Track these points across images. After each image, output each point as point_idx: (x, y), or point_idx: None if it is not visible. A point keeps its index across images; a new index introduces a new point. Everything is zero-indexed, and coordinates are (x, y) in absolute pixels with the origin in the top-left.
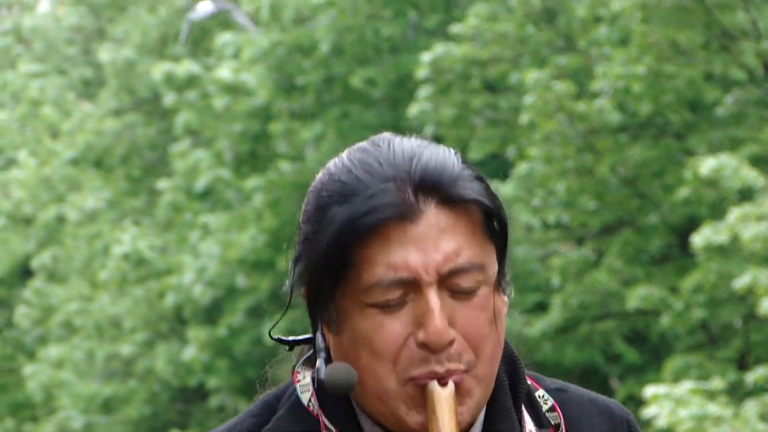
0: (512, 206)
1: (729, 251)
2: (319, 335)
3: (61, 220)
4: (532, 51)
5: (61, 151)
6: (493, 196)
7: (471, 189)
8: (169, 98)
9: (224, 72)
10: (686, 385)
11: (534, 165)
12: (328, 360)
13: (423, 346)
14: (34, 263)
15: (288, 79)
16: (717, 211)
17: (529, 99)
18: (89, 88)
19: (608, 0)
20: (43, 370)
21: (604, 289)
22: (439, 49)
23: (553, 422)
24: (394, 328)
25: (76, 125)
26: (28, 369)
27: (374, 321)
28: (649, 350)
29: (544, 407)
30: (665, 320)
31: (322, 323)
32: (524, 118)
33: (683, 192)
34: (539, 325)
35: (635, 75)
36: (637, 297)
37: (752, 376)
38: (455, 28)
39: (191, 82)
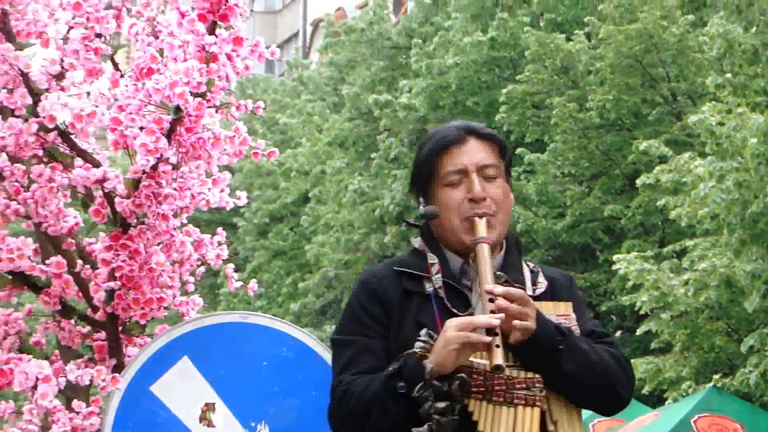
0: (547, 165)
1: (654, 187)
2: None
3: (323, 172)
4: (556, 89)
5: (322, 138)
6: (503, 141)
7: (492, 133)
8: (377, 112)
9: (403, 99)
10: (633, 255)
11: (557, 145)
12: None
13: (471, 200)
14: (310, 194)
15: (435, 102)
16: (649, 167)
17: (555, 112)
18: (336, 107)
19: (596, 61)
20: (320, 247)
21: (592, 206)
22: (511, 87)
23: (535, 270)
24: (456, 195)
25: (330, 125)
26: (308, 248)
27: (447, 193)
28: (615, 237)
29: (531, 266)
30: (623, 221)
31: (425, 203)
32: (552, 121)
33: (632, 158)
34: (560, 225)
35: (607, 99)
36: (609, 210)
37: (666, 249)
38: (519, 77)
39: (386, 105)
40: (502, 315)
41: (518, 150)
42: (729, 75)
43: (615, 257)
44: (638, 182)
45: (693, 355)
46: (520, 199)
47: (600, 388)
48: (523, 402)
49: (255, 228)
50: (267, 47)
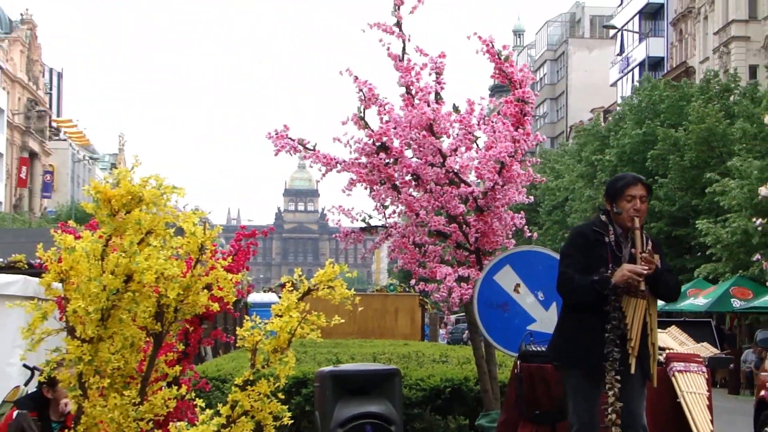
0: (668, 183)
1: (714, 192)
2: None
3: (573, 190)
4: (671, 152)
5: (574, 173)
6: (651, 187)
7: (648, 183)
8: (597, 164)
9: (606, 158)
10: (705, 221)
11: (671, 174)
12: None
13: (634, 210)
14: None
15: (620, 159)
16: (711, 184)
17: (671, 161)
18: (579, 162)
19: (687, 139)
20: (579, 220)
21: (687, 200)
22: (652, 151)
23: (647, 237)
24: (629, 205)
25: (576, 170)
26: (569, 221)
27: (625, 203)
28: (697, 213)
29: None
30: (700, 207)
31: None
32: (668, 164)
33: (703, 180)
34: (674, 207)
35: (692, 155)
36: (695, 202)
37: (719, 218)
38: (655, 147)
39: (599, 161)
40: (647, 267)
41: (655, 177)
42: (744, 145)
43: (698, 222)
44: (707, 190)
45: (729, 262)
46: (661, 199)
47: (670, 293)
48: (641, 297)
49: (545, 212)
50: (542, 137)
